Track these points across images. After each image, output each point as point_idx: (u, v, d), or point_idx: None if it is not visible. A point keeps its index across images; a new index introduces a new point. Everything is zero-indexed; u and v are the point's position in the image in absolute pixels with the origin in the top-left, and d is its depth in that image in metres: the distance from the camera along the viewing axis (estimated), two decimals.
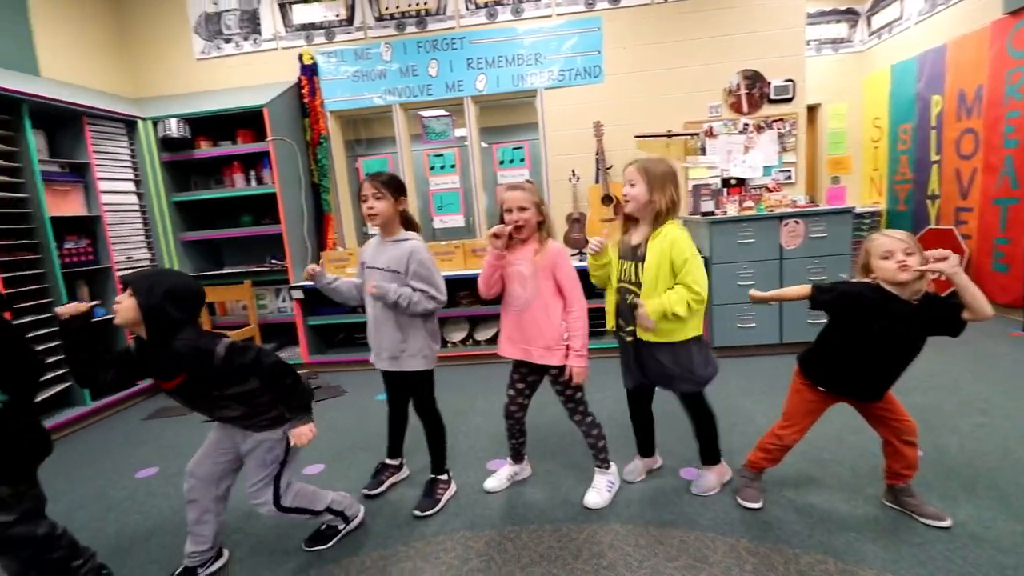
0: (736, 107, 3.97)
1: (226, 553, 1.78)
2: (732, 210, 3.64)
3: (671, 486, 2.04)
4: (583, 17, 3.96)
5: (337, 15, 4.14)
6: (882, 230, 1.61)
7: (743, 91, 3.94)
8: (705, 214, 3.68)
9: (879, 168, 5.38)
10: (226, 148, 3.94)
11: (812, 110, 5.42)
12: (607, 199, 3.87)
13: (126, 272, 3.39)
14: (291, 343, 4.17)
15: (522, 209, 1.83)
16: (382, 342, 1.96)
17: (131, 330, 1.48)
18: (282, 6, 4.16)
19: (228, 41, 4.24)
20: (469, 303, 3.89)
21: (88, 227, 3.40)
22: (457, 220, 4.40)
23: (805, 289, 1.65)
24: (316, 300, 3.97)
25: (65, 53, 3.76)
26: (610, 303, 1.93)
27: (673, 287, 1.74)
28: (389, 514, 2.00)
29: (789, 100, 3.93)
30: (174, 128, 3.75)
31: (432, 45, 4.08)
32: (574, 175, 4.05)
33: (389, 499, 2.11)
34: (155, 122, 3.77)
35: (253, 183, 4.02)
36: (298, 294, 3.89)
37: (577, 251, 3.96)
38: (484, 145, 4.36)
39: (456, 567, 1.66)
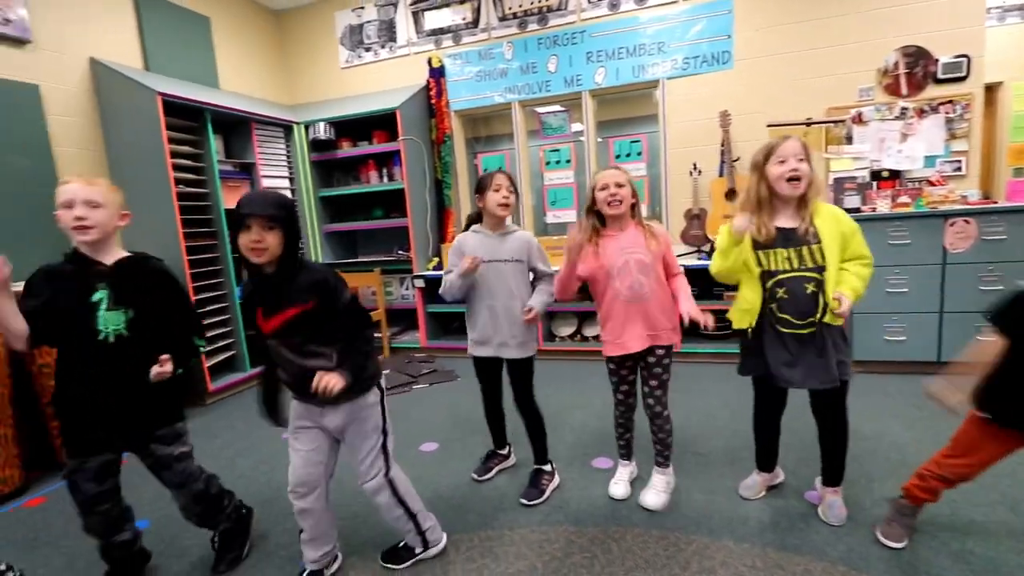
0: (893, 89, 3.49)
1: (339, 555, 1.75)
2: (883, 206, 3.21)
3: (795, 509, 1.87)
4: (712, 0, 3.73)
5: (464, 18, 4.33)
6: None
7: (902, 70, 3.45)
8: (849, 211, 3.29)
9: None
10: (363, 148, 4.34)
11: (991, 90, 4.57)
12: (732, 193, 3.62)
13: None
14: (412, 328, 4.49)
15: (619, 185, 1.81)
16: (505, 331, 1.99)
17: (260, 267, 1.42)
18: (415, 14, 4.45)
19: (368, 50, 4.63)
20: (580, 299, 3.88)
21: None
22: (570, 215, 4.40)
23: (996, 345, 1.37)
24: (436, 288, 4.22)
25: (238, 68, 4.38)
26: (748, 299, 1.70)
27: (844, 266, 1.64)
28: (496, 498, 2.08)
29: (961, 79, 3.36)
30: (321, 131, 4.21)
31: (552, 41, 4.11)
32: (695, 168, 3.85)
33: (496, 484, 2.20)
34: (307, 126, 4.26)
35: (385, 179, 4.38)
36: (420, 283, 4.17)
37: (695, 248, 3.77)
38: (600, 139, 4.31)
39: (559, 559, 1.69)
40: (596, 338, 3.91)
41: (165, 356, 1.48)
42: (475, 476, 2.23)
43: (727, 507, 1.91)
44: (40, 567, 1.84)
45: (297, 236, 1.46)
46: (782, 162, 1.62)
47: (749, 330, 1.73)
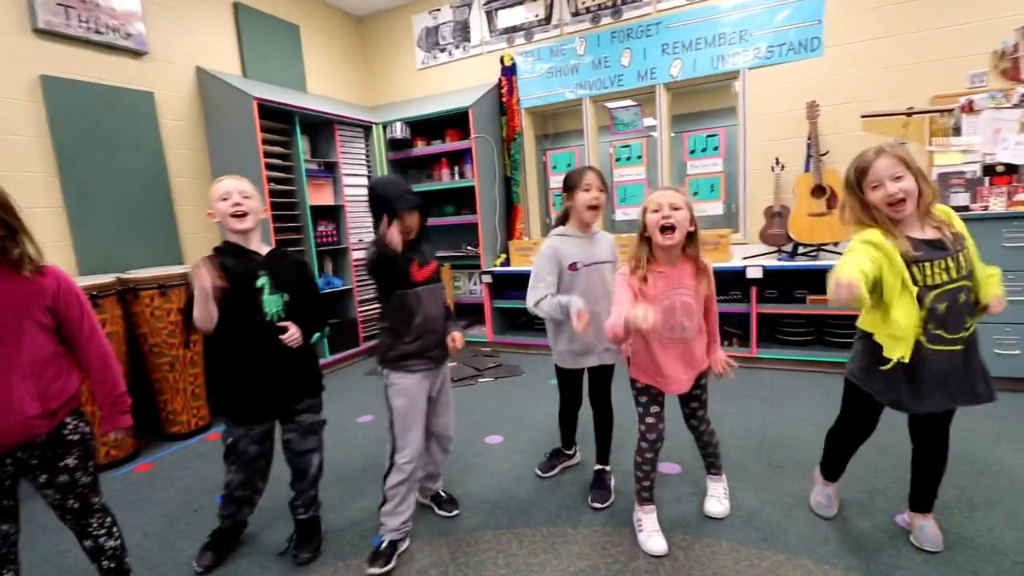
0: (1011, 74, 3.11)
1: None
2: (997, 204, 2.89)
3: (882, 531, 1.73)
4: None
5: (536, 15, 4.33)
6: None
7: (1022, 52, 3.07)
8: (956, 209, 2.98)
9: None
10: (436, 146, 4.47)
11: None
12: (819, 190, 3.39)
13: (361, 247, 4.09)
14: (478, 322, 4.58)
15: (675, 208, 1.57)
16: (602, 338, 1.85)
17: (405, 238, 1.68)
18: (488, 13, 4.51)
19: (443, 51, 4.75)
20: None
21: (334, 214, 4.18)
22: (639, 212, 4.29)
23: None
24: (503, 284, 4.29)
25: (323, 72, 4.64)
26: (902, 323, 1.42)
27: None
28: (560, 496, 2.09)
29: None
30: (398, 130, 4.38)
31: (626, 34, 4.02)
32: (777, 163, 3.63)
33: (560, 481, 2.20)
34: (384, 126, 4.45)
35: (456, 177, 4.49)
36: (487, 278, 4.24)
37: (776, 248, 3.57)
38: (673, 134, 4.17)
39: (623, 563, 1.67)
40: None
41: (291, 325, 1.65)
42: (539, 472, 2.24)
43: (805, 523, 1.80)
44: (146, 526, 2.06)
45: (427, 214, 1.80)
46: (876, 187, 1.46)
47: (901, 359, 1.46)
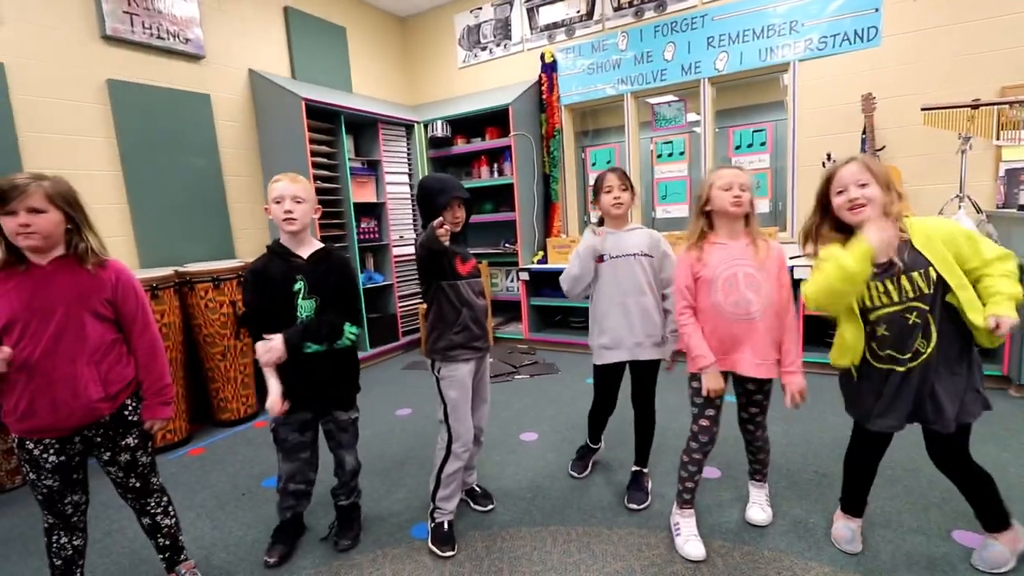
0: None
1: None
2: None
3: (938, 548, 1.64)
4: None
5: (578, 11, 4.30)
6: None
7: None
8: (1023, 208, 2.78)
9: None
10: (476, 144, 4.51)
11: None
12: None
13: (401, 244, 4.17)
14: (515, 319, 4.60)
15: (744, 188, 1.61)
16: (640, 330, 1.90)
17: (453, 229, 1.82)
18: (530, 10, 4.50)
19: (484, 49, 4.78)
20: None
21: (375, 211, 4.28)
22: (681, 210, 4.21)
23: None
24: (540, 282, 4.29)
25: (368, 72, 4.75)
26: (849, 337, 1.50)
27: (976, 277, 1.38)
28: (595, 495, 2.08)
29: None
30: (439, 129, 4.44)
31: (670, 28, 3.93)
32: (829, 159, 3.48)
33: (594, 480, 2.19)
34: (426, 125, 4.51)
35: (495, 174, 4.51)
36: (525, 275, 4.25)
37: None
38: (717, 129, 4.06)
39: (659, 566, 1.65)
40: None
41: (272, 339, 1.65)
42: (574, 473, 2.23)
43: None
44: (198, 507, 2.17)
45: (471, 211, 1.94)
46: (840, 192, 1.45)
47: (853, 370, 1.54)
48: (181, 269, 2.95)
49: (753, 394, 1.74)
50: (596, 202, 1.99)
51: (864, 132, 3.30)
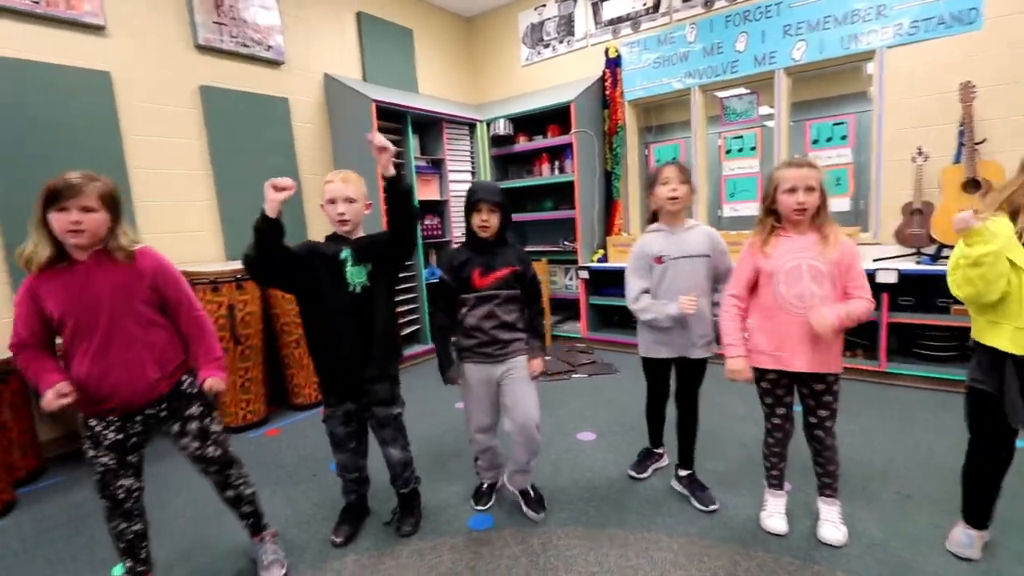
0: None
1: (502, 478, 2.11)
2: None
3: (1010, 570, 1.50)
4: None
5: (644, 4, 4.19)
6: None
7: None
8: None
9: None
10: (538, 142, 4.51)
11: None
12: (972, 184, 2.94)
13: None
14: (572, 318, 4.57)
15: (810, 190, 1.59)
16: (694, 330, 1.91)
17: (483, 240, 1.87)
18: (594, 5, 4.44)
19: (547, 46, 4.77)
20: None
21: (438, 209, 4.38)
22: (751, 208, 4.02)
23: None
24: (599, 281, 4.24)
25: (433, 72, 4.86)
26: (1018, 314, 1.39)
27: None
28: (654, 500, 2.05)
29: None
30: (501, 127, 4.48)
31: (743, 17, 3.76)
32: (919, 153, 3.21)
33: (653, 484, 2.16)
34: (488, 123, 4.57)
35: (556, 172, 4.50)
36: (584, 274, 4.21)
37: (915, 250, 3.17)
38: (792, 123, 3.84)
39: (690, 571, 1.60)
40: None
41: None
42: (633, 474, 2.21)
43: (937, 562, 1.60)
44: (273, 484, 2.32)
45: (509, 218, 1.90)
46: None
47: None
48: None
49: (821, 394, 1.67)
50: (651, 194, 1.96)
51: (961, 124, 3.02)
